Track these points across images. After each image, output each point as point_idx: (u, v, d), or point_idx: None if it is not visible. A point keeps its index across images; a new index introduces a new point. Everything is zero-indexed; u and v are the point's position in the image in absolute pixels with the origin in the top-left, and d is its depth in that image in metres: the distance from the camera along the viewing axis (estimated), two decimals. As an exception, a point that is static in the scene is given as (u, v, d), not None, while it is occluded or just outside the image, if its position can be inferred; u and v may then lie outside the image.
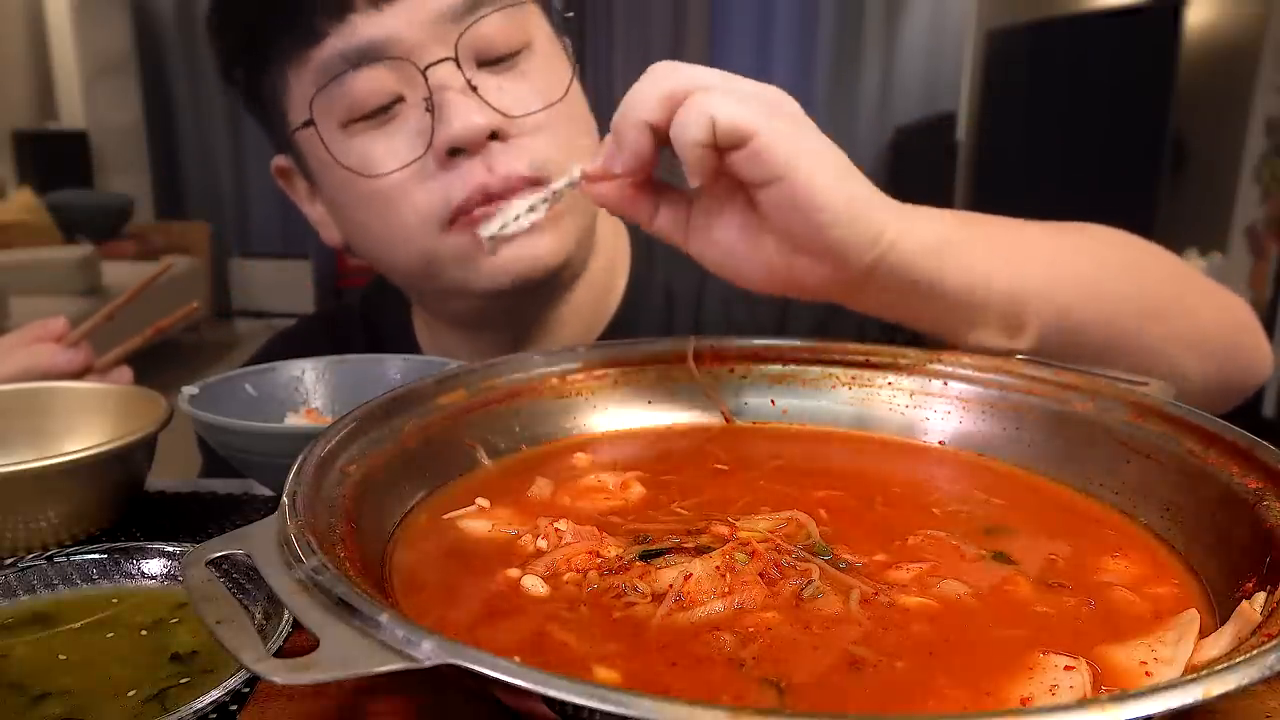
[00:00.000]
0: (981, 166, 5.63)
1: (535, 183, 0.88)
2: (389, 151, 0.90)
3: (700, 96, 0.63)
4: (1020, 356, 0.68)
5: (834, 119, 6.03)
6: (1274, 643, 0.36)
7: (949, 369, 0.70)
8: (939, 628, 0.46)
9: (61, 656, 0.53)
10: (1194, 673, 0.37)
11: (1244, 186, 3.70)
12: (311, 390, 0.90)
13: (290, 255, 6.62)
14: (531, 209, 0.79)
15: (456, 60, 0.87)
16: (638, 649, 0.44)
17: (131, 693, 0.50)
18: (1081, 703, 0.37)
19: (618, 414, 0.71)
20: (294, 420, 0.86)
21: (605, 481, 0.62)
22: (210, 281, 6.36)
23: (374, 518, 0.53)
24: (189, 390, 0.79)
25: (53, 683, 0.51)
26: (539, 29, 0.94)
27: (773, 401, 0.73)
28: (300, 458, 0.49)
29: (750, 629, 0.45)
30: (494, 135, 0.88)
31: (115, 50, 6.38)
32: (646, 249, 1.10)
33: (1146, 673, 0.42)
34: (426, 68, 0.87)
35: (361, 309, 1.22)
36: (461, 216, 0.89)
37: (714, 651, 0.43)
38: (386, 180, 0.90)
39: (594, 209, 0.97)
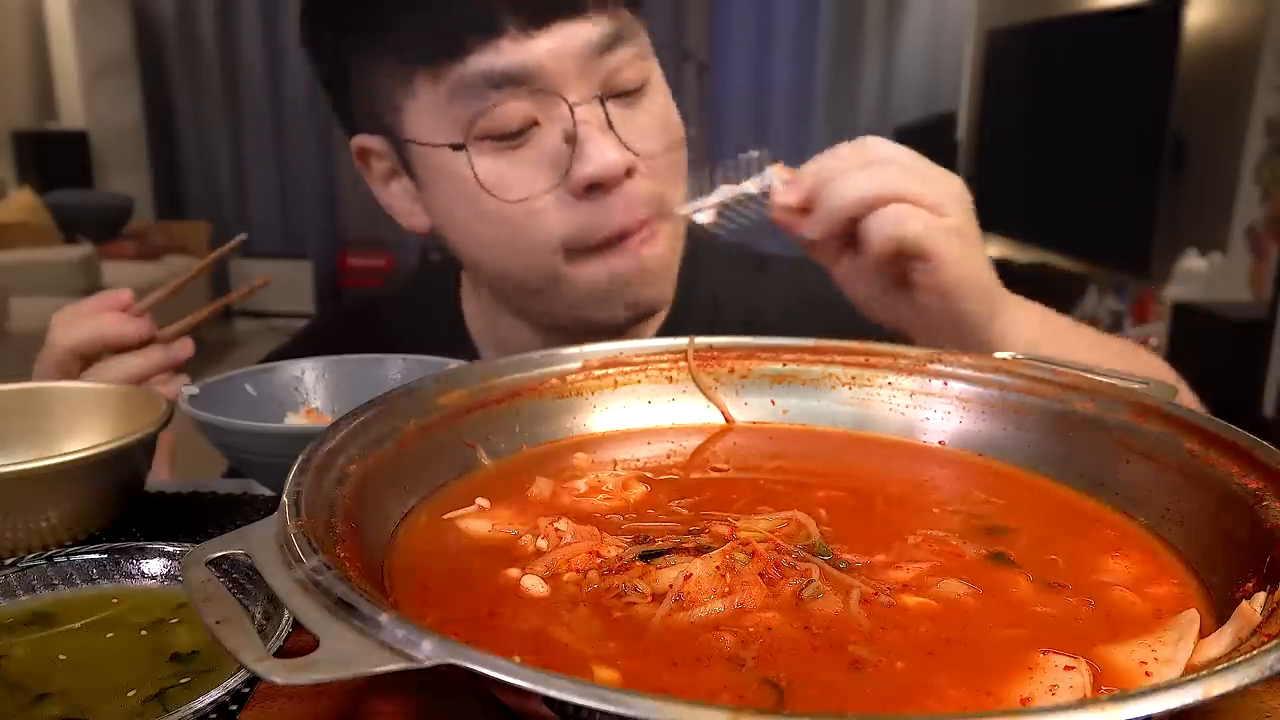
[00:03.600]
0: (981, 166, 5.62)
1: (653, 221, 0.95)
2: (523, 176, 0.91)
3: (894, 211, 0.78)
4: (1020, 356, 0.68)
5: (834, 119, 6.03)
6: (1274, 643, 0.36)
7: (949, 369, 0.70)
8: (939, 628, 0.46)
9: (61, 656, 0.53)
10: (1194, 673, 0.37)
11: (1244, 186, 3.69)
12: (311, 390, 0.90)
13: (290, 255, 6.61)
14: (716, 206, 0.89)
15: (601, 98, 0.90)
16: (638, 649, 0.44)
17: (131, 693, 0.50)
18: (1081, 703, 0.37)
19: (618, 414, 0.71)
20: (294, 420, 0.86)
21: (605, 481, 0.62)
22: (210, 281, 6.36)
23: (374, 518, 0.53)
24: (189, 390, 0.79)
25: (53, 683, 0.51)
26: (655, 66, 0.98)
27: (773, 401, 0.73)
28: (300, 458, 0.49)
29: (750, 629, 0.45)
30: (627, 172, 0.92)
31: (115, 50, 6.37)
32: (692, 256, 1.12)
33: (1146, 673, 0.42)
34: (574, 105, 0.89)
35: (402, 299, 1.24)
36: (604, 250, 0.94)
37: (714, 651, 0.43)
38: (518, 205, 0.92)
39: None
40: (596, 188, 0.91)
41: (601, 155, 0.89)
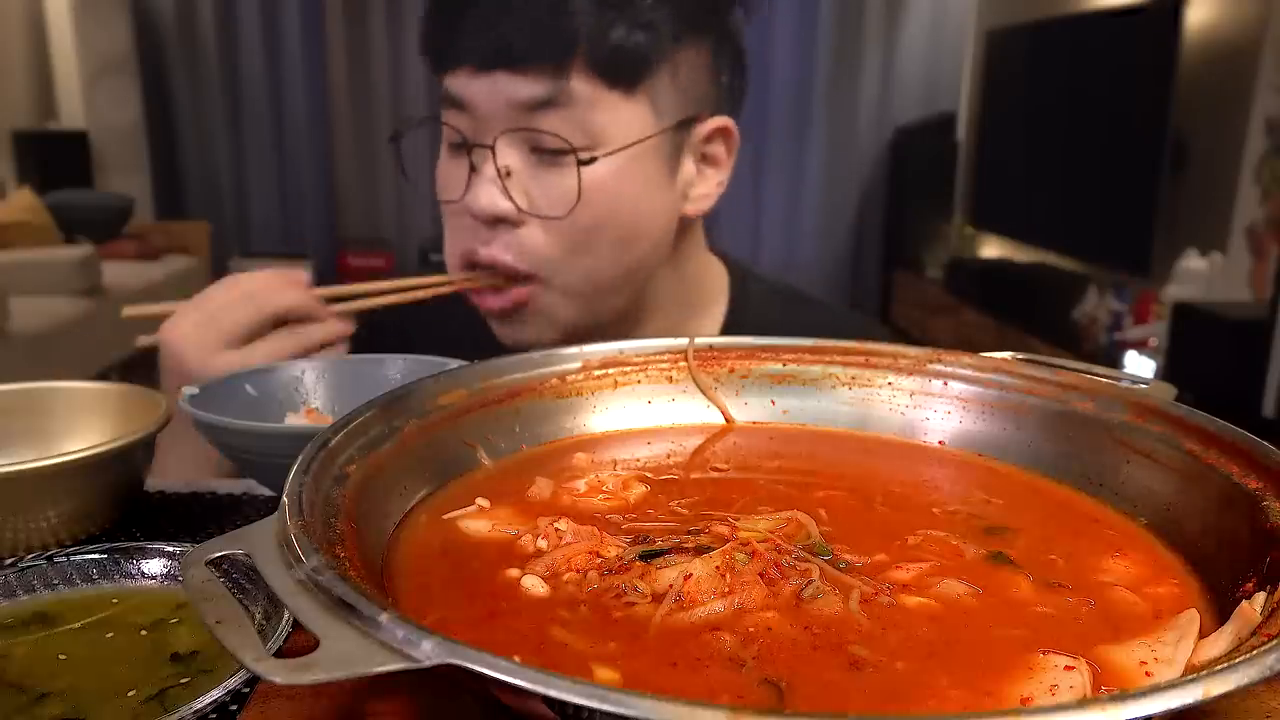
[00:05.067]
0: (981, 166, 5.62)
1: (515, 277, 1.01)
2: (450, 179, 1.04)
3: None
4: (1020, 357, 0.68)
5: (834, 119, 6.02)
6: (1274, 643, 0.36)
7: (949, 369, 0.70)
8: (939, 628, 0.46)
9: (61, 656, 0.53)
10: (1194, 673, 0.37)
11: (1244, 186, 3.69)
12: (311, 390, 0.89)
13: (290, 255, 6.61)
14: None
15: (492, 147, 0.98)
16: (638, 649, 0.44)
17: (131, 693, 0.50)
18: (1081, 703, 0.37)
19: (618, 414, 0.71)
20: (294, 420, 0.86)
21: (605, 481, 0.62)
22: (210, 281, 6.35)
23: (374, 518, 0.53)
24: (189, 390, 0.79)
25: (53, 683, 0.51)
26: (628, 130, 0.99)
27: (773, 401, 0.73)
28: (300, 458, 0.49)
29: (750, 629, 0.45)
30: (505, 219, 1.00)
31: (115, 50, 6.37)
32: (743, 290, 1.19)
33: (1146, 673, 0.42)
34: (472, 147, 1.00)
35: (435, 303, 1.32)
36: (465, 266, 1.04)
37: (714, 651, 0.43)
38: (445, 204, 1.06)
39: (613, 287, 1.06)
40: (482, 220, 1.00)
41: (484, 194, 0.99)
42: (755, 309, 1.19)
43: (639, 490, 0.61)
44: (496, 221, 1.00)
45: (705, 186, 1.09)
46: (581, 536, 0.53)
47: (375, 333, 1.15)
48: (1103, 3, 4.43)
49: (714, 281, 1.19)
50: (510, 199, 0.99)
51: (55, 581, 0.59)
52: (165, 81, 6.58)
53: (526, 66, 0.96)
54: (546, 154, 0.99)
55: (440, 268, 1.21)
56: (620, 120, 0.99)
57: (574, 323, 1.05)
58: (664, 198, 1.05)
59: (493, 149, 0.98)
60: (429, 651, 0.34)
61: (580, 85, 0.97)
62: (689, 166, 1.07)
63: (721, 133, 1.08)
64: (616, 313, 1.08)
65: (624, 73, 0.98)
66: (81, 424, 0.81)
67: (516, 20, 0.98)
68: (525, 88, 0.96)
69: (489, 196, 0.99)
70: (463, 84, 0.99)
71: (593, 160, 0.98)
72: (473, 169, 1.00)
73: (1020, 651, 0.44)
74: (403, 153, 1.12)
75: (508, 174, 0.99)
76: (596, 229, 1.01)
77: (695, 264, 1.16)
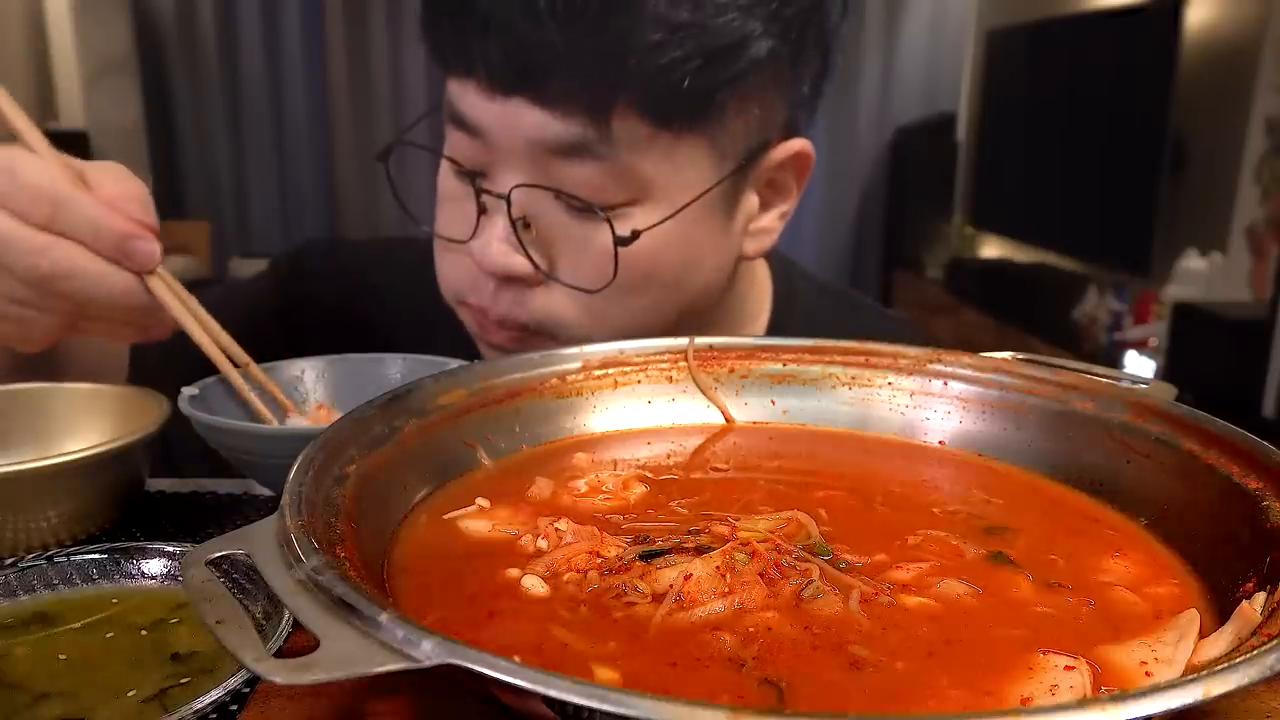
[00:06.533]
0: (981, 166, 5.62)
1: (530, 330, 0.87)
2: (453, 211, 0.88)
3: None
4: (1020, 356, 0.68)
5: (834, 119, 6.02)
6: (1274, 643, 0.36)
7: (949, 369, 0.70)
8: (939, 628, 0.46)
9: (61, 656, 0.53)
10: (1194, 673, 0.37)
11: (1244, 186, 3.69)
12: (311, 390, 0.89)
13: (290, 255, 6.61)
14: None
15: (507, 198, 0.81)
16: (638, 649, 0.44)
17: (131, 693, 0.50)
18: (1081, 703, 0.37)
19: (618, 414, 0.71)
20: (294, 420, 0.86)
21: (605, 481, 0.62)
22: (213, 282, 6.36)
23: (374, 518, 0.53)
24: (189, 391, 0.79)
25: (53, 683, 0.51)
26: (680, 179, 0.82)
27: (773, 401, 0.73)
28: (300, 458, 0.49)
29: (750, 629, 0.45)
30: (519, 279, 0.85)
31: (115, 50, 6.37)
32: (790, 289, 1.07)
33: (1146, 673, 0.42)
34: (481, 191, 0.83)
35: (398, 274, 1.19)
36: (472, 311, 0.91)
37: (714, 652, 0.43)
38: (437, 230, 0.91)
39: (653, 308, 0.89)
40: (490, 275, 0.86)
41: (496, 248, 0.82)
42: (802, 311, 1.06)
43: (639, 490, 0.61)
44: (508, 279, 0.85)
45: (767, 219, 0.92)
46: (581, 536, 0.53)
47: (373, 329, 1.13)
48: (1103, 3, 4.42)
49: (759, 290, 1.04)
50: (527, 256, 0.82)
51: (55, 581, 0.59)
52: (165, 81, 6.58)
53: (556, 99, 0.77)
54: (576, 208, 0.82)
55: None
56: (671, 168, 0.81)
57: None
58: (720, 244, 0.88)
59: (508, 200, 0.81)
60: (429, 651, 0.34)
61: (624, 127, 0.78)
62: (751, 200, 0.89)
63: (795, 159, 0.89)
64: None
65: (682, 112, 0.79)
66: (81, 424, 0.81)
67: (546, 31, 0.75)
68: (552, 126, 0.78)
69: (501, 252, 0.82)
70: (471, 103, 0.80)
71: (635, 237, 0.80)
72: (482, 210, 0.84)
73: (1020, 651, 0.44)
74: (398, 177, 0.93)
75: (525, 226, 0.82)
76: (632, 292, 0.85)
77: (745, 281, 1.00)
